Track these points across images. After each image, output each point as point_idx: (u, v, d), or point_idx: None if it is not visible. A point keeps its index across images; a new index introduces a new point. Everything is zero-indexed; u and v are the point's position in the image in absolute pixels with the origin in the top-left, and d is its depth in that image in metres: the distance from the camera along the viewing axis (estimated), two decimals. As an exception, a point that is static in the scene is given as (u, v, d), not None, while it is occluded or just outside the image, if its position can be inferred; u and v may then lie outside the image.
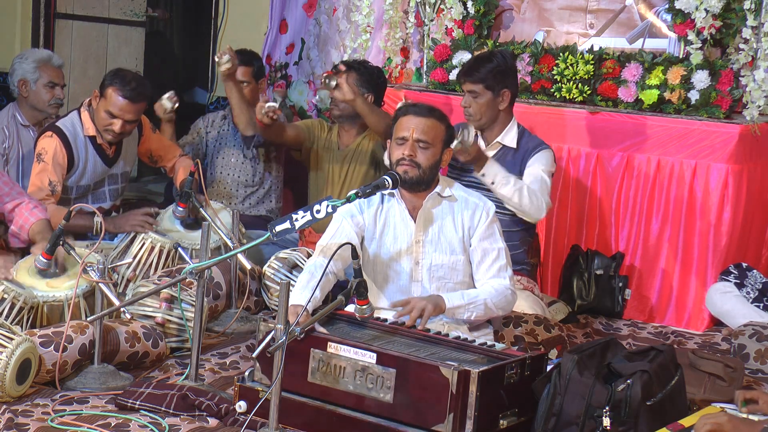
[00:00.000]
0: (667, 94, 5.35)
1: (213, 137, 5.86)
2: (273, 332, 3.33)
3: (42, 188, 4.87)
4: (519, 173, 4.73)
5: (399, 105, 4.67)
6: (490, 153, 4.81)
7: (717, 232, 5.23)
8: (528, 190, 4.59)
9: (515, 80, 4.87)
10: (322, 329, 3.60)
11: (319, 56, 6.86)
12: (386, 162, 5.05)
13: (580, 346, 3.58)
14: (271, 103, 5.24)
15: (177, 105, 5.60)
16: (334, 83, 5.06)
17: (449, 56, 5.92)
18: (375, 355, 3.39)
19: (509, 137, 4.81)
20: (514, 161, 4.77)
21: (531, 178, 4.68)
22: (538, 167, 4.71)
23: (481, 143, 4.85)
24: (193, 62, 9.04)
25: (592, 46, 5.65)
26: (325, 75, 5.14)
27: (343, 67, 5.33)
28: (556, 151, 5.43)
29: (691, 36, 5.24)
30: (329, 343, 3.48)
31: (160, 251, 4.77)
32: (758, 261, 5.53)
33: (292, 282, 3.95)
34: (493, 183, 4.55)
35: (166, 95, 5.56)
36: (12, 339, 3.59)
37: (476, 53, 5.24)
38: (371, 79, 5.42)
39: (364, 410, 3.40)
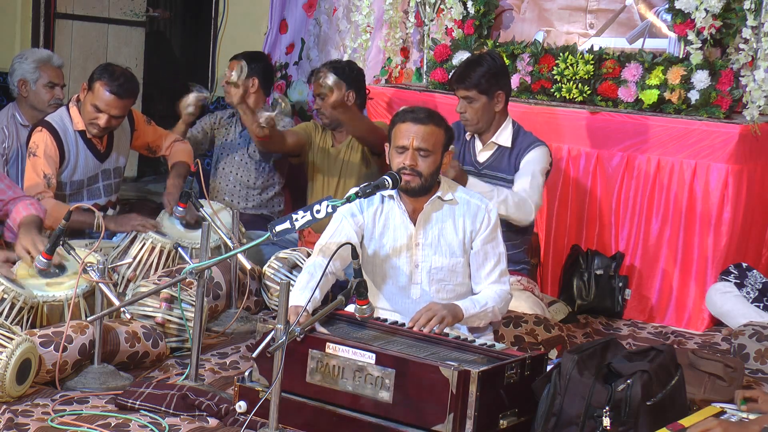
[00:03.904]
0: (667, 94, 5.35)
1: (220, 134, 5.89)
2: (273, 332, 3.33)
3: (38, 182, 4.89)
4: (515, 172, 4.73)
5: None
6: (487, 153, 4.81)
7: (717, 232, 5.23)
8: (513, 198, 4.56)
9: (508, 80, 4.86)
10: (322, 329, 3.60)
11: (319, 56, 6.86)
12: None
13: (580, 346, 3.58)
14: (266, 114, 5.22)
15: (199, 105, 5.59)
16: (330, 85, 4.95)
17: (449, 56, 5.92)
18: (374, 355, 3.39)
19: (504, 136, 4.80)
20: (510, 160, 4.77)
21: (523, 178, 4.67)
22: (531, 165, 4.71)
23: (478, 145, 4.84)
24: (193, 62, 9.04)
25: (592, 46, 5.65)
26: (323, 79, 5.04)
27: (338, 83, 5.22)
28: (556, 151, 5.43)
29: (691, 36, 5.24)
30: (327, 344, 3.47)
31: (160, 251, 4.77)
32: (758, 261, 5.53)
33: (292, 282, 3.95)
34: None
35: (194, 93, 5.56)
36: (12, 339, 3.59)
37: (467, 58, 5.22)
38: (345, 75, 5.36)
39: (363, 410, 3.40)
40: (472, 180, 4.56)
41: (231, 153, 5.83)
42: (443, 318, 3.72)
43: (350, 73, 5.46)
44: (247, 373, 3.64)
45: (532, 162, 4.71)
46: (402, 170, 3.86)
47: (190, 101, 5.59)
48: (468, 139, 4.87)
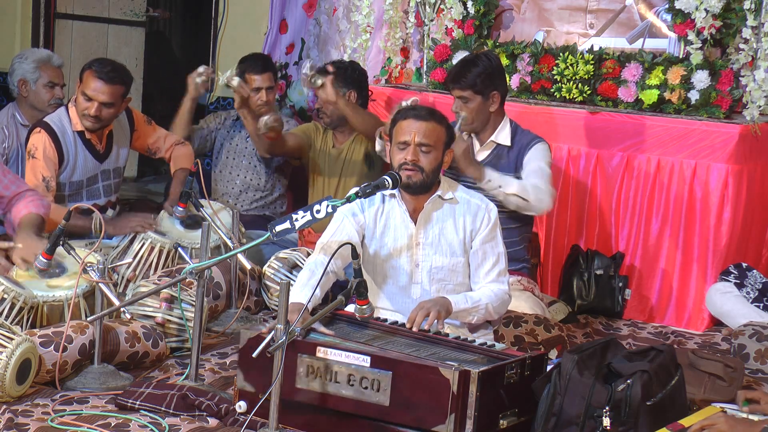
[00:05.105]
0: (667, 94, 5.35)
1: (222, 135, 5.87)
2: (273, 332, 3.32)
3: (37, 185, 4.88)
4: (516, 170, 4.73)
5: (397, 108, 4.68)
6: (485, 153, 4.80)
7: (717, 232, 5.23)
8: (530, 186, 4.58)
9: (503, 80, 4.86)
10: (323, 329, 3.60)
11: (319, 56, 6.86)
12: (377, 147, 5.07)
13: (580, 346, 3.58)
14: (266, 118, 5.25)
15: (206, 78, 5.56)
16: (320, 82, 5.08)
17: (449, 56, 5.92)
18: (368, 358, 3.37)
19: (503, 135, 4.80)
20: (509, 159, 4.76)
21: (532, 172, 4.67)
22: (536, 161, 4.71)
23: (476, 144, 4.84)
24: (193, 62, 9.02)
25: (592, 46, 5.65)
26: (311, 74, 5.12)
27: (331, 68, 5.32)
28: (556, 151, 5.44)
29: (691, 36, 5.24)
30: (318, 348, 3.44)
31: (160, 251, 4.76)
32: (758, 261, 5.53)
33: (292, 282, 3.95)
34: (500, 186, 4.55)
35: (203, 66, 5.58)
36: (12, 339, 3.59)
37: (462, 58, 5.23)
38: (347, 75, 5.43)
39: (360, 415, 3.39)
40: (489, 171, 4.57)
41: (237, 156, 5.82)
42: (439, 313, 3.73)
43: (352, 74, 5.49)
44: (235, 378, 3.64)
45: (537, 158, 4.71)
46: (404, 165, 3.87)
47: (200, 71, 5.56)
48: (465, 138, 4.86)
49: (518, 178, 4.70)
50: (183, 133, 5.59)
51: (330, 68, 5.33)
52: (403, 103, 4.90)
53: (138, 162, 8.00)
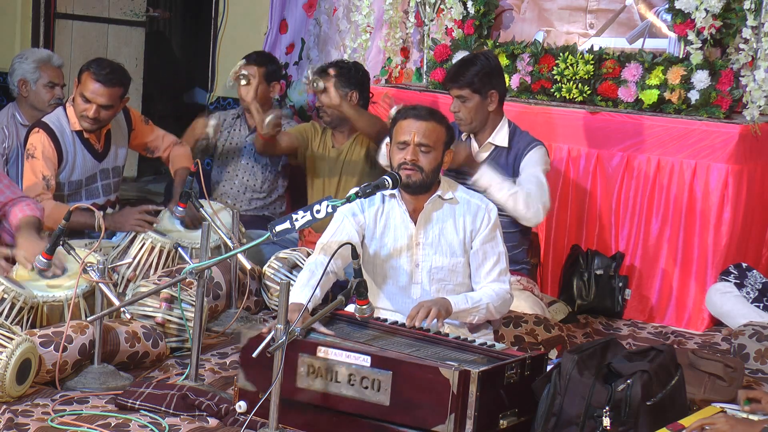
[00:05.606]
0: (667, 94, 5.35)
1: (224, 136, 5.86)
2: (273, 332, 3.33)
3: (36, 183, 4.88)
4: (513, 173, 4.72)
5: (395, 109, 4.69)
6: (484, 154, 4.80)
7: (717, 232, 5.23)
8: (523, 196, 4.55)
9: (502, 80, 4.85)
10: (323, 329, 3.60)
11: (319, 56, 6.87)
12: (381, 161, 5.07)
13: (580, 346, 3.58)
14: (270, 117, 5.26)
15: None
16: (322, 86, 5.10)
17: (449, 56, 5.92)
18: (369, 357, 3.38)
19: (500, 137, 4.79)
20: (507, 161, 4.75)
21: (528, 181, 4.65)
22: (533, 168, 4.69)
23: (474, 145, 4.83)
24: (193, 62, 9.04)
25: (592, 46, 5.65)
26: (312, 77, 5.14)
27: (332, 71, 5.33)
28: (556, 152, 5.44)
29: (691, 36, 5.24)
30: (319, 348, 3.44)
31: (160, 251, 4.76)
32: (758, 261, 5.53)
33: (292, 282, 3.95)
34: (487, 189, 4.53)
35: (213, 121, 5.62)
36: (12, 339, 3.59)
37: (461, 58, 5.23)
38: (350, 76, 5.44)
39: (360, 414, 3.39)
40: (485, 169, 4.56)
41: (236, 156, 5.81)
42: (439, 312, 3.73)
43: (355, 74, 5.49)
44: (235, 378, 3.64)
45: (533, 164, 4.70)
46: (403, 165, 3.87)
47: (212, 122, 5.57)
48: (464, 139, 4.86)
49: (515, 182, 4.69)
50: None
51: (331, 71, 5.34)
52: (392, 112, 4.93)
53: (138, 162, 8.00)
